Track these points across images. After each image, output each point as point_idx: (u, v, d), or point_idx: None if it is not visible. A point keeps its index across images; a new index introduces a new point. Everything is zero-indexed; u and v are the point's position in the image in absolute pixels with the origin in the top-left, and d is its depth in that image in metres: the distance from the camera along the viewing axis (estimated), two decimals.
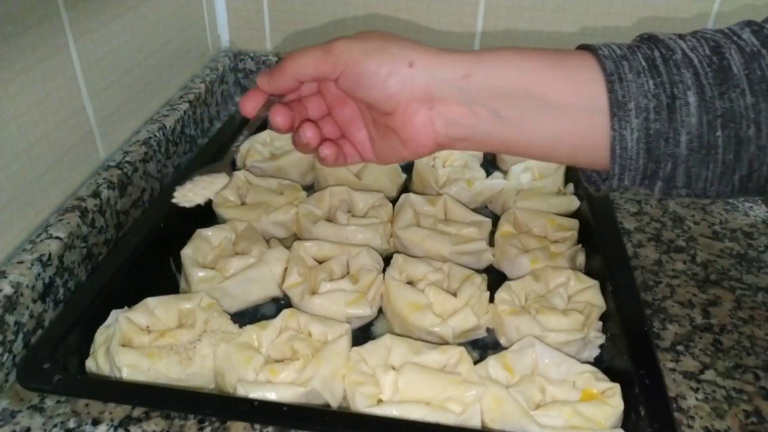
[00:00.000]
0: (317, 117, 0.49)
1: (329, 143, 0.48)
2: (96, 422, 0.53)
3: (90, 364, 0.57)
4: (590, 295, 0.64)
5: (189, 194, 0.49)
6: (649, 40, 0.42)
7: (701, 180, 0.41)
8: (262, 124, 0.98)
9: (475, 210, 0.79)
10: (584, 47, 0.43)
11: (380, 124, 0.46)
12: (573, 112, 0.41)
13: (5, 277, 0.56)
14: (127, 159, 0.76)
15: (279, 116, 0.46)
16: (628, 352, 0.56)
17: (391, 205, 0.78)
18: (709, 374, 0.60)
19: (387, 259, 0.69)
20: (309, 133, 0.47)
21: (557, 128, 0.42)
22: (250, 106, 0.47)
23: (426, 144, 0.45)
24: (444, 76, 0.42)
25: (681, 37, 0.42)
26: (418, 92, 0.42)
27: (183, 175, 0.60)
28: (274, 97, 0.47)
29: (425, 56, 0.42)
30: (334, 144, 0.49)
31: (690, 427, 0.55)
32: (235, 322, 0.60)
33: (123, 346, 0.56)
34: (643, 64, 0.40)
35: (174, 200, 0.49)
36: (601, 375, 0.55)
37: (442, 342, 0.61)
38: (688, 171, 0.40)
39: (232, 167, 0.51)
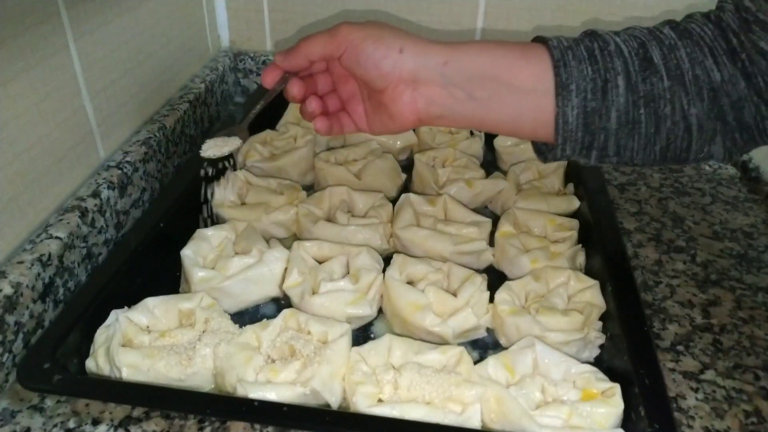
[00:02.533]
0: (324, 92, 0.58)
1: (322, 118, 0.57)
2: (96, 422, 0.53)
3: (90, 364, 0.57)
4: (590, 295, 0.64)
5: (209, 151, 0.61)
6: (591, 34, 0.50)
7: (628, 150, 0.49)
8: (263, 125, 0.98)
9: (475, 210, 0.79)
10: (539, 39, 0.51)
11: (374, 99, 0.55)
12: (533, 94, 0.49)
13: (5, 277, 0.56)
14: (127, 159, 0.76)
15: (295, 87, 0.55)
16: (628, 352, 0.56)
17: (391, 205, 0.78)
18: (709, 374, 0.60)
19: (387, 259, 0.69)
20: (314, 104, 0.56)
21: (521, 107, 0.50)
22: (269, 78, 0.55)
23: (409, 119, 0.53)
24: (428, 62, 0.50)
25: (617, 33, 0.50)
26: (406, 74, 0.51)
27: (207, 133, 0.72)
28: (288, 74, 0.55)
29: (413, 44, 0.51)
30: (326, 119, 0.57)
31: (690, 427, 0.55)
32: (235, 322, 0.60)
33: (123, 346, 0.56)
34: (584, 53, 0.49)
35: (201, 152, 0.62)
36: (601, 375, 0.55)
37: (442, 342, 0.61)
38: (617, 142, 0.49)
39: (250, 132, 0.63)
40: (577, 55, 0.48)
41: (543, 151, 0.54)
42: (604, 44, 0.49)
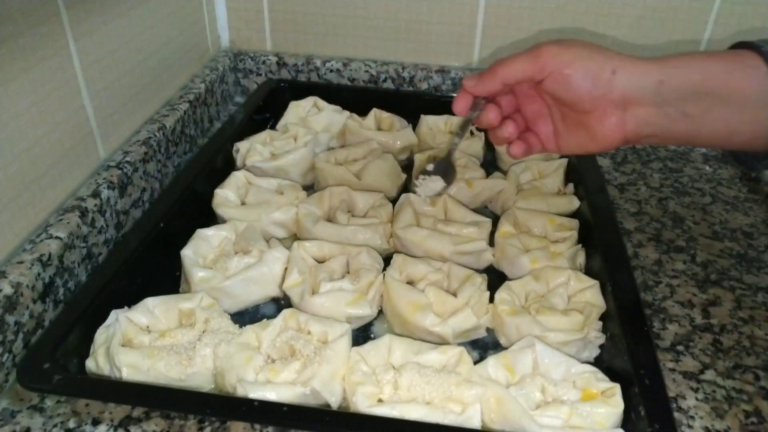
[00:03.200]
0: (508, 113, 0.57)
1: (519, 141, 0.57)
2: (96, 422, 0.53)
3: (90, 364, 0.57)
4: (590, 295, 0.64)
5: (424, 191, 0.68)
6: None
7: None
8: (263, 125, 0.98)
9: (475, 210, 0.79)
10: (743, 45, 0.49)
11: (571, 120, 0.53)
12: (752, 106, 0.47)
13: (5, 277, 0.56)
14: (127, 159, 0.76)
15: (491, 114, 0.55)
16: (628, 352, 0.56)
17: (391, 205, 0.78)
18: (709, 374, 0.60)
19: (387, 259, 0.69)
20: (510, 128, 0.56)
21: (737, 120, 0.48)
22: (461, 105, 0.55)
23: (615, 140, 0.51)
24: (642, 82, 0.48)
25: None
26: (617, 96, 0.49)
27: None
28: (478, 99, 0.55)
29: (625, 64, 0.49)
30: (523, 142, 0.57)
31: (690, 427, 0.55)
32: (235, 322, 0.60)
33: (123, 346, 0.56)
34: None
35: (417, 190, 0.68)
36: (601, 375, 0.55)
37: (442, 342, 0.61)
38: None
39: (453, 171, 0.67)
40: None
41: (746, 160, 0.52)
42: None
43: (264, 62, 1.07)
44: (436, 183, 0.67)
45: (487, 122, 0.56)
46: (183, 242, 0.68)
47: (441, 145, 0.90)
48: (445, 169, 0.67)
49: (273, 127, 0.95)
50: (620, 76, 0.48)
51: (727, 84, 0.47)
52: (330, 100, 0.99)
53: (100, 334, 0.57)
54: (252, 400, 0.51)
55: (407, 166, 0.89)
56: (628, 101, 0.49)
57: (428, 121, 0.95)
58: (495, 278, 0.69)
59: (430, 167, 0.67)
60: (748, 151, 0.51)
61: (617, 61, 0.49)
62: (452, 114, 0.97)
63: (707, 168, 0.93)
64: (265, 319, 0.60)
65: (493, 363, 0.56)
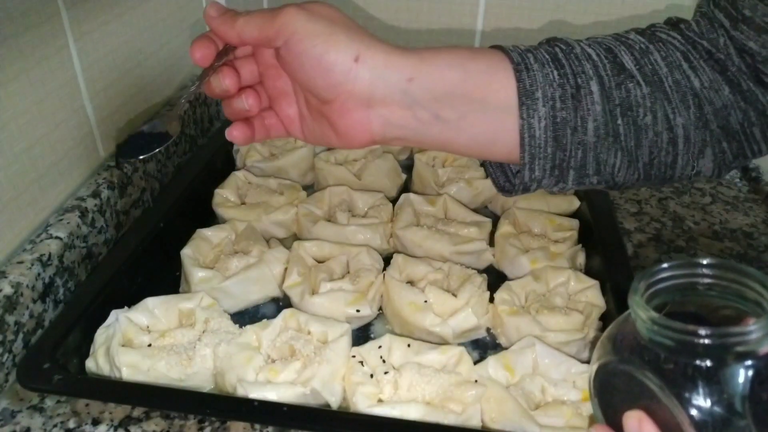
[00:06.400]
0: (247, 83, 0.47)
1: (242, 125, 0.46)
2: (96, 422, 0.53)
3: (90, 364, 0.57)
4: (590, 295, 0.64)
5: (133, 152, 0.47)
6: (549, 41, 0.44)
7: (609, 166, 0.42)
8: None
9: (475, 210, 0.79)
10: (495, 47, 0.44)
11: (314, 107, 0.44)
12: (512, 111, 0.41)
13: (5, 277, 0.56)
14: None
15: (227, 77, 0.44)
16: None
17: (391, 205, 0.78)
18: None
19: (387, 259, 0.69)
20: (251, 100, 0.45)
21: (496, 127, 0.42)
22: (201, 53, 0.43)
23: (360, 139, 0.44)
24: (389, 77, 0.41)
25: (577, 40, 0.44)
26: (360, 90, 0.41)
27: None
28: (225, 48, 0.44)
29: (372, 52, 0.41)
30: (247, 126, 0.46)
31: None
32: (235, 322, 0.60)
33: (123, 346, 0.56)
34: (546, 56, 0.42)
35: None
36: None
37: (442, 342, 0.61)
38: (597, 158, 0.42)
39: (180, 123, 0.49)
40: (539, 59, 0.42)
41: (505, 185, 0.47)
42: (568, 47, 0.43)
43: None
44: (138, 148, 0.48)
45: (222, 88, 0.45)
46: (183, 242, 0.68)
47: None
48: (158, 130, 0.48)
49: None
50: (363, 65, 0.40)
51: (487, 87, 0.41)
52: None
53: (100, 334, 0.57)
54: (252, 400, 0.51)
55: (407, 166, 0.89)
56: (374, 98, 0.41)
57: None
58: (495, 278, 0.69)
59: (146, 127, 0.48)
60: (510, 164, 0.46)
61: (362, 46, 0.40)
62: None
63: None
64: (265, 319, 0.60)
65: (493, 363, 0.56)
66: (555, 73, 0.41)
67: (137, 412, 0.54)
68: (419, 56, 0.42)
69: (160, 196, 0.81)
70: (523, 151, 0.42)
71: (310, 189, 0.85)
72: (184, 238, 0.68)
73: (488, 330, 0.65)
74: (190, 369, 0.55)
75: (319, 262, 0.69)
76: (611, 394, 0.37)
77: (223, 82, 0.44)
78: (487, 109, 0.42)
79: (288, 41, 0.41)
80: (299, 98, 0.46)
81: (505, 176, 0.47)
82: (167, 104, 0.89)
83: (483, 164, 0.82)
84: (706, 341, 0.31)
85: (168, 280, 0.69)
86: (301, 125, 0.47)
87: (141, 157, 0.47)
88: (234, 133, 0.46)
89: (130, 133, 0.48)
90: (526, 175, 0.43)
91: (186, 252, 0.67)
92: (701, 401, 0.31)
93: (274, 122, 0.47)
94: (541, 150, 0.41)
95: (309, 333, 0.59)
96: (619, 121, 0.41)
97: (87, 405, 0.54)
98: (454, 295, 0.64)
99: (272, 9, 0.41)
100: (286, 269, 0.68)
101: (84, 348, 0.58)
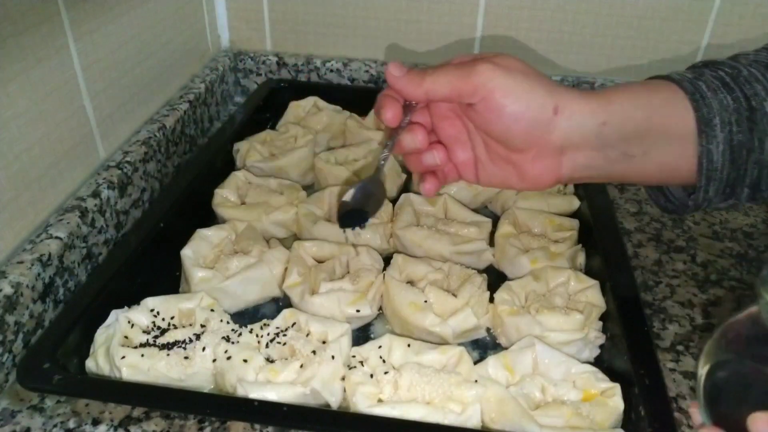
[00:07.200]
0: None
1: (433, 177, 0.48)
2: (96, 422, 0.53)
3: (90, 364, 0.57)
4: (590, 295, 0.64)
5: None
6: (705, 65, 0.45)
7: None
8: (263, 125, 0.98)
9: (475, 210, 0.79)
10: (655, 78, 0.45)
11: (497, 153, 0.46)
12: (691, 139, 0.43)
13: (5, 277, 0.56)
14: (127, 159, 0.76)
15: (420, 134, 0.46)
16: (628, 352, 0.56)
17: (391, 205, 0.78)
18: None
19: (387, 259, 0.69)
20: (441, 154, 0.47)
21: (677, 156, 0.44)
22: (392, 113, 0.45)
23: (546, 182, 0.46)
24: (585, 124, 0.43)
25: (732, 58, 0.45)
26: (556, 139, 0.43)
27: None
28: (408, 104, 0.46)
29: (568, 102, 0.43)
30: (435, 177, 0.48)
31: (690, 427, 0.55)
32: (235, 322, 0.60)
33: (123, 346, 0.56)
34: (716, 82, 0.43)
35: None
36: (601, 375, 0.55)
37: (442, 342, 0.61)
38: None
39: (384, 181, 0.53)
40: (710, 86, 0.43)
41: (666, 204, 0.48)
42: (734, 71, 0.44)
43: (264, 62, 1.07)
44: (356, 218, 0.51)
45: (415, 146, 0.46)
46: (183, 242, 0.68)
47: None
48: (368, 194, 0.51)
49: (273, 127, 0.95)
50: (563, 117, 0.42)
51: (668, 120, 0.43)
52: (330, 100, 0.99)
53: (100, 334, 0.58)
54: (252, 400, 0.51)
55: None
56: (569, 144, 0.43)
57: None
58: (495, 278, 0.69)
59: (349, 195, 0.50)
60: (688, 187, 0.47)
61: (560, 99, 0.42)
62: None
63: None
64: (265, 319, 0.60)
65: (493, 363, 0.56)
66: (728, 98, 0.42)
67: (137, 412, 0.54)
68: (607, 99, 0.44)
69: (160, 196, 0.81)
70: (700, 175, 0.43)
71: (310, 189, 0.85)
72: (184, 238, 0.68)
73: (488, 330, 0.65)
74: (190, 369, 0.55)
75: (319, 262, 0.69)
76: (726, 396, 0.36)
77: (415, 140, 0.46)
78: (669, 140, 0.44)
79: (486, 98, 0.42)
80: (475, 145, 0.48)
81: (665, 197, 0.49)
82: (167, 104, 0.89)
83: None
84: None
85: (168, 280, 0.68)
86: (475, 169, 0.48)
87: (363, 225, 0.51)
88: (428, 187, 0.48)
89: (343, 200, 0.50)
90: (701, 196, 0.44)
91: (186, 252, 0.67)
92: None
93: (450, 170, 0.49)
94: (717, 173, 0.43)
95: (309, 333, 0.59)
96: None
97: (87, 405, 0.54)
98: (454, 295, 0.64)
99: (460, 65, 0.43)
100: (286, 269, 0.68)
101: (84, 348, 0.58)
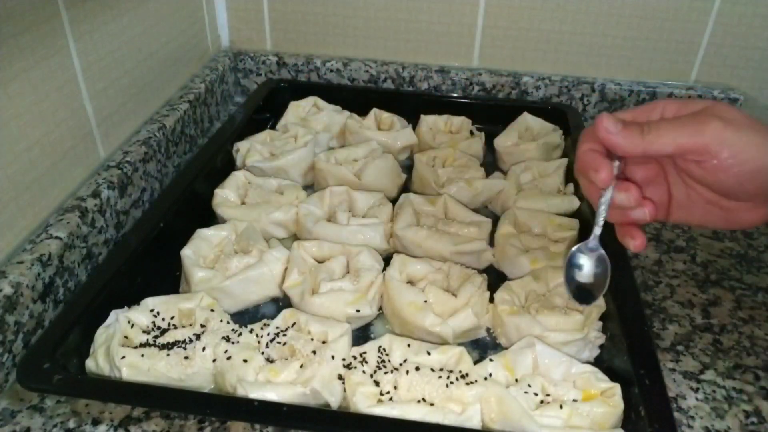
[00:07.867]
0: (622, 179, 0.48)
1: (639, 231, 0.47)
2: (96, 422, 0.53)
3: (90, 364, 0.57)
4: None
5: None
6: None
7: None
8: (263, 125, 0.98)
9: (475, 210, 0.79)
10: None
11: (702, 197, 0.45)
12: None
13: (5, 277, 0.56)
14: (127, 159, 0.76)
15: (634, 191, 0.45)
16: (628, 352, 0.56)
17: (391, 205, 0.78)
18: (709, 374, 0.60)
19: (387, 259, 0.69)
20: (650, 209, 0.46)
21: None
22: (606, 174, 0.43)
23: (755, 224, 0.45)
24: None
25: None
26: None
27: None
28: (616, 160, 0.45)
29: None
30: (639, 230, 0.47)
31: (690, 427, 0.55)
32: (235, 322, 0.60)
33: (123, 346, 0.56)
34: None
35: None
36: (601, 375, 0.55)
37: (442, 342, 0.61)
38: None
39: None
40: None
41: None
42: None
43: (264, 62, 1.07)
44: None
45: (629, 203, 0.45)
46: (183, 242, 0.68)
47: (441, 145, 0.90)
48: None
49: (273, 127, 0.94)
50: None
51: None
52: (330, 100, 0.99)
53: (100, 334, 0.57)
54: (252, 400, 0.51)
55: (407, 166, 0.89)
56: None
57: (428, 121, 0.95)
58: (495, 278, 0.69)
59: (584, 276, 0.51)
60: None
61: None
62: (452, 114, 0.96)
63: None
64: (265, 319, 0.60)
65: (493, 363, 0.56)
66: None
67: (137, 412, 0.54)
68: None
69: (160, 196, 0.81)
70: None
71: (310, 189, 0.85)
72: (184, 238, 0.68)
73: (488, 330, 0.65)
74: (190, 369, 0.55)
75: (319, 262, 0.69)
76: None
77: (630, 198, 0.45)
78: None
79: (718, 156, 0.41)
80: (674, 187, 0.46)
81: None
82: (167, 104, 0.89)
83: None
84: None
85: (168, 280, 0.69)
86: (669, 208, 0.47)
87: (596, 300, 0.51)
88: (638, 243, 0.47)
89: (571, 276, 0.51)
90: None
91: (186, 252, 0.67)
92: None
93: (648, 208, 0.47)
94: None
95: (309, 333, 0.59)
96: None
97: (87, 405, 0.54)
98: (454, 295, 0.64)
99: (684, 121, 0.41)
100: (286, 269, 0.68)
101: (84, 348, 0.58)
